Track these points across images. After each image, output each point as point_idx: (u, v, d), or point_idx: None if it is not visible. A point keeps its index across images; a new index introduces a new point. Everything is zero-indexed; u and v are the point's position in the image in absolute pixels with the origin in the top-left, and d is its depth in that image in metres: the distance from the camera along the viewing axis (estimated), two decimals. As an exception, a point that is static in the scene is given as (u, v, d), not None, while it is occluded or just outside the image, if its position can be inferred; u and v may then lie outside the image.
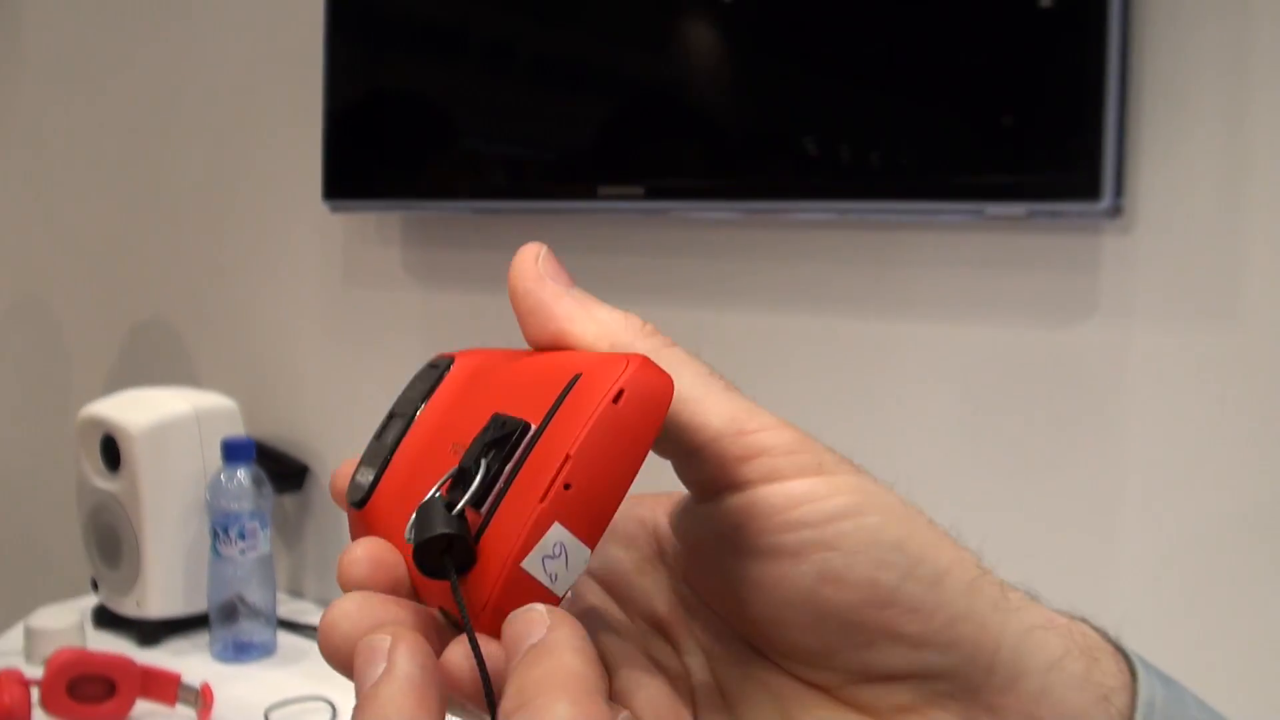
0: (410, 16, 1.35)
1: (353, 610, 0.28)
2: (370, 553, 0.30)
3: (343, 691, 1.21)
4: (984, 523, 1.09)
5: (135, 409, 1.37)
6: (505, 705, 0.25)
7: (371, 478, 0.33)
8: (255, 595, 1.33)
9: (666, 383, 0.29)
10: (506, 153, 1.27)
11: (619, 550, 0.35)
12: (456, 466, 0.30)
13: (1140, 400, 0.98)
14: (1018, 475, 1.04)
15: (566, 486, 0.27)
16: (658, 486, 0.34)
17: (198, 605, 1.37)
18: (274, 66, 1.55)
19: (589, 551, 0.28)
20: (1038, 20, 0.94)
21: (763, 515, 0.30)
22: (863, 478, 0.30)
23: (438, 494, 0.30)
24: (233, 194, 1.63)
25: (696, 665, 0.33)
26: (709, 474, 0.30)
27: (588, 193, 1.21)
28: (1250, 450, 0.93)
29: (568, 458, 0.28)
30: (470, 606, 0.28)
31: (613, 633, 0.33)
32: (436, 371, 0.35)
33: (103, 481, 1.38)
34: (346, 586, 0.30)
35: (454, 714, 0.29)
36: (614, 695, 0.31)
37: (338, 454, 1.54)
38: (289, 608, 1.47)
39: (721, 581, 0.31)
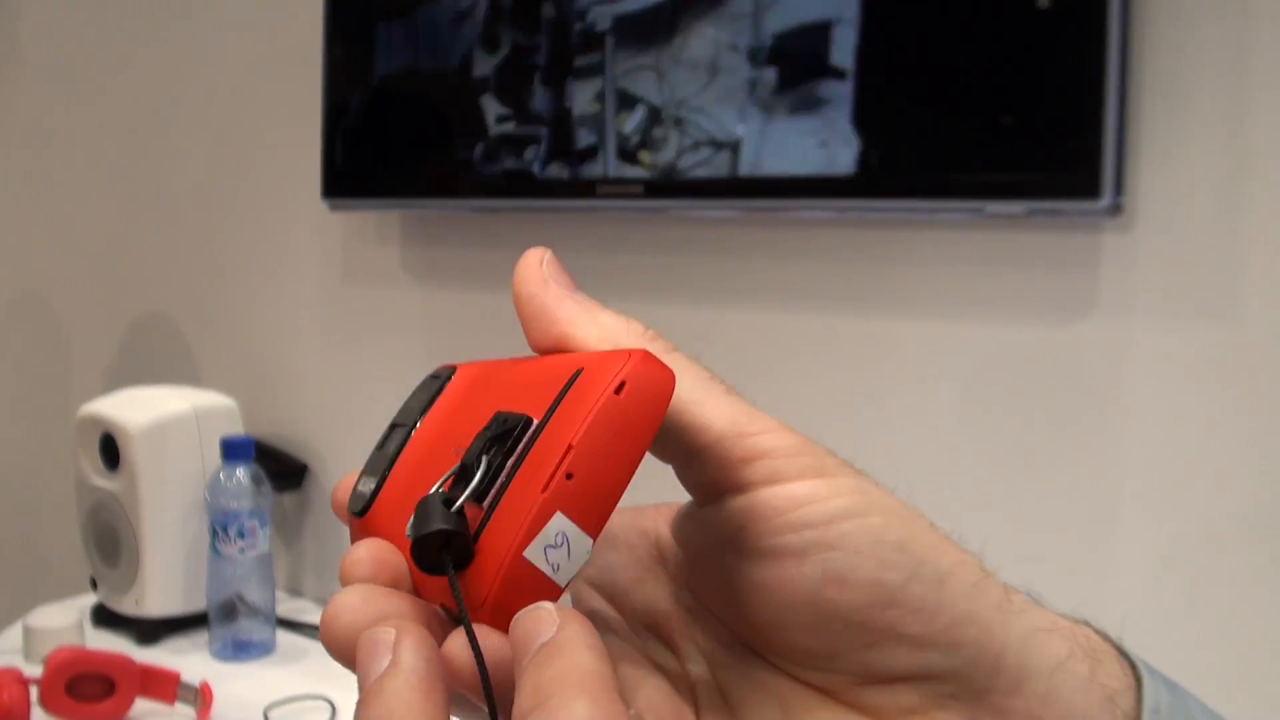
0: (409, 15, 1.34)
1: (356, 602, 0.28)
2: (372, 553, 0.30)
3: (342, 690, 1.21)
4: (983, 520, 1.09)
5: (134, 408, 1.37)
6: (521, 704, 0.25)
7: (373, 486, 0.33)
8: (254, 594, 1.33)
9: (668, 376, 0.29)
10: (505, 151, 1.27)
11: (620, 560, 0.35)
12: (458, 464, 0.30)
13: (1139, 398, 0.98)
14: (1017, 473, 1.04)
15: (569, 476, 0.28)
16: (659, 493, 0.34)
17: (197, 604, 1.37)
18: (273, 65, 1.55)
19: (591, 541, 0.28)
20: (1037, 18, 0.94)
21: (765, 517, 0.30)
22: (864, 480, 0.30)
23: (438, 490, 0.30)
24: (232, 193, 1.63)
25: (698, 670, 0.33)
26: (711, 476, 0.30)
27: (587, 191, 1.21)
28: (1250, 449, 0.93)
29: (570, 448, 0.28)
30: (471, 599, 0.28)
31: (612, 634, 0.33)
32: (438, 382, 0.35)
33: (102, 480, 1.38)
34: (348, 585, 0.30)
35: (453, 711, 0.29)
36: None
37: (337, 453, 1.54)
38: (288, 606, 1.47)
39: (724, 586, 0.31)
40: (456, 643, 0.28)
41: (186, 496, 1.36)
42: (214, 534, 1.32)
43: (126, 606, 1.38)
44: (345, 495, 0.34)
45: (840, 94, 1.05)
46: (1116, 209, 0.94)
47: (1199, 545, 0.96)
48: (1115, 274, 0.98)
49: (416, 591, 0.30)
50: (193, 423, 1.38)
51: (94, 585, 1.44)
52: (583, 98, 1.21)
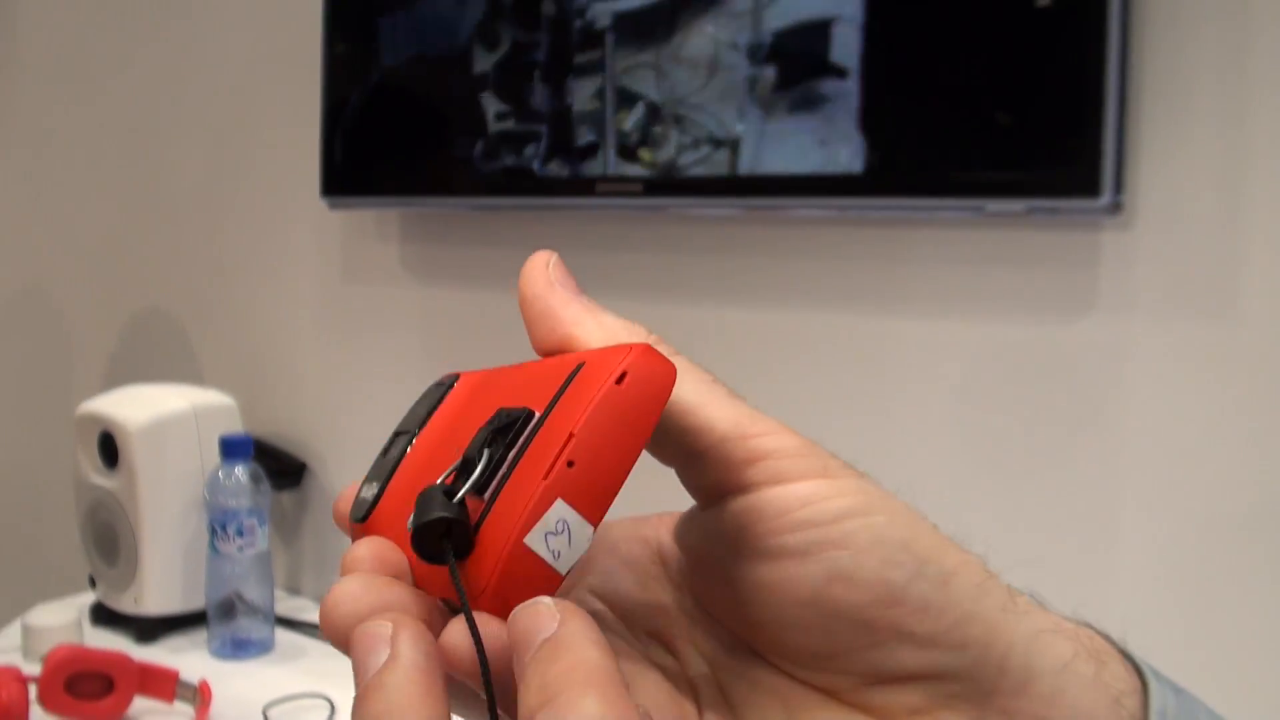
0: (409, 11, 1.34)
1: (356, 590, 0.28)
2: (374, 550, 0.30)
3: (341, 689, 1.21)
4: (982, 518, 1.09)
5: (133, 406, 1.37)
6: (528, 701, 0.25)
7: (375, 492, 0.33)
8: (253, 592, 1.33)
9: (669, 368, 0.29)
10: (505, 149, 1.27)
11: (622, 569, 0.35)
12: (460, 458, 0.30)
13: (1139, 396, 0.98)
14: (1016, 470, 1.04)
15: (570, 464, 0.28)
16: (661, 495, 0.34)
17: (195, 602, 1.37)
18: (272, 64, 1.55)
19: (592, 529, 0.28)
20: (1037, 17, 0.94)
21: (769, 516, 0.30)
22: (867, 482, 0.31)
23: (440, 483, 0.30)
24: (231, 191, 1.63)
25: (701, 674, 0.33)
26: (714, 478, 0.30)
27: (586, 189, 1.21)
28: (1250, 447, 0.93)
29: (571, 435, 0.28)
30: (471, 588, 0.28)
31: (610, 633, 0.33)
32: (441, 389, 0.35)
33: (101, 478, 1.38)
34: None
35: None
36: None
37: (336, 451, 1.54)
38: (287, 605, 1.47)
39: (727, 589, 0.31)
40: (456, 631, 0.27)
41: (185, 495, 1.36)
42: (213, 532, 1.32)
43: (125, 605, 1.38)
44: (347, 506, 0.34)
45: (840, 92, 1.05)
46: (1116, 207, 0.94)
47: (1199, 544, 0.96)
48: (1115, 272, 0.98)
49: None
50: (191, 421, 1.38)
51: (93, 583, 1.44)
52: (582, 95, 1.21)
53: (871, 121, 1.03)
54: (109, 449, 1.36)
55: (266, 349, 1.61)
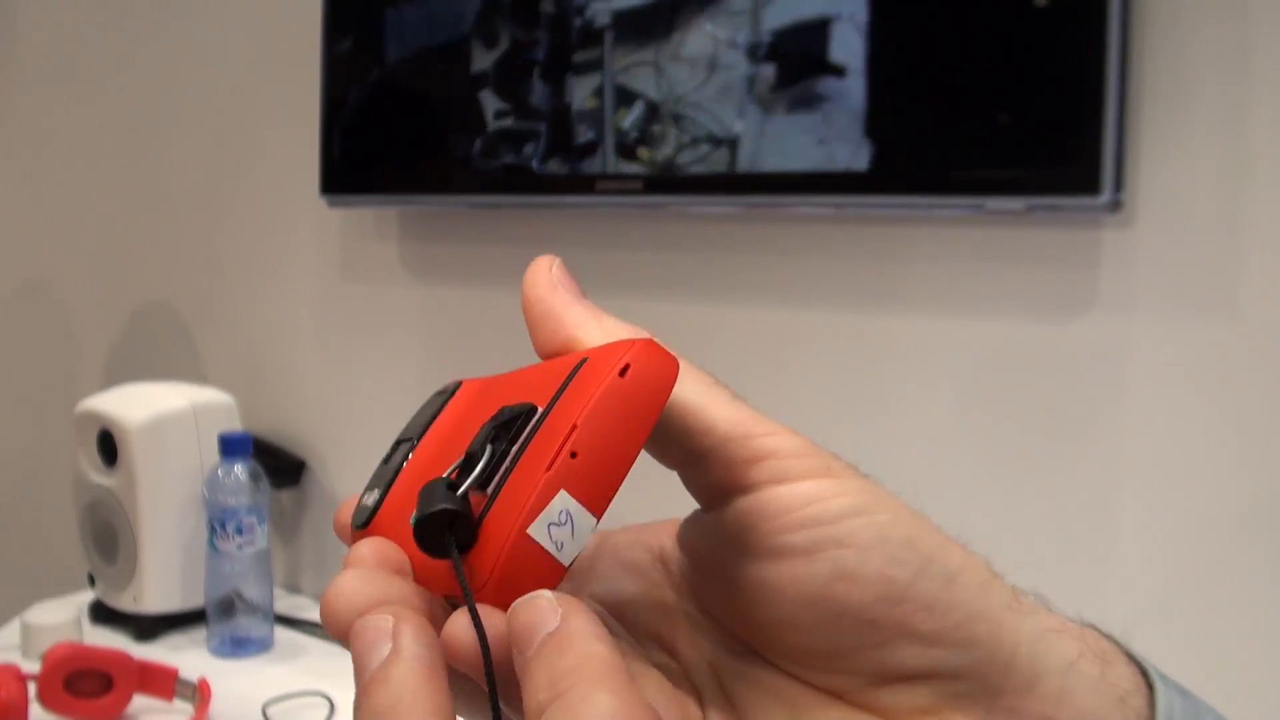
0: (408, 11, 1.34)
1: (357, 584, 0.28)
2: (375, 548, 0.30)
3: (341, 687, 1.21)
4: (981, 516, 1.09)
5: (132, 404, 1.37)
6: (536, 696, 0.24)
7: (376, 498, 0.33)
8: (252, 590, 1.33)
9: (672, 362, 0.29)
10: (504, 147, 1.27)
11: (624, 574, 0.35)
12: (464, 455, 0.30)
13: (1138, 394, 0.98)
14: (1016, 469, 1.04)
15: (573, 455, 0.28)
16: (662, 497, 0.34)
17: (195, 600, 1.37)
18: (272, 62, 1.55)
19: (595, 520, 0.28)
20: (1037, 15, 0.94)
21: (772, 516, 0.30)
22: (869, 481, 0.31)
23: (443, 478, 0.30)
24: (231, 189, 1.63)
25: (704, 677, 0.33)
26: (717, 478, 0.30)
27: (586, 187, 1.21)
28: (1250, 446, 0.93)
29: (574, 426, 0.28)
30: (474, 580, 0.28)
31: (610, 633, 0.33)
32: (443, 396, 0.35)
33: (100, 476, 1.38)
34: None
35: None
36: None
37: (335, 449, 1.54)
38: (286, 603, 1.47)
39: (730, 590, 0.31)
40: (458, 623, 0.27)
41: (184, 493, 1.36)
42: (212, 530, 1.32)
43: (125, 603, 1.38)
44: (348, 517, 0.34)
45: (839, 91, 1.05)
46: (1116, 205, 0.94)
47: (1198, 543, 0.96)
48: (1115, 270, 0.98)
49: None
50: (191, 419, 1.37)
51: (92, 581, 1.44)
52: (581, 93, 1.21)
53: (871, 119, 1.03)
54: (108, 447, 1.36)
55: (266, 347, 1.61)
